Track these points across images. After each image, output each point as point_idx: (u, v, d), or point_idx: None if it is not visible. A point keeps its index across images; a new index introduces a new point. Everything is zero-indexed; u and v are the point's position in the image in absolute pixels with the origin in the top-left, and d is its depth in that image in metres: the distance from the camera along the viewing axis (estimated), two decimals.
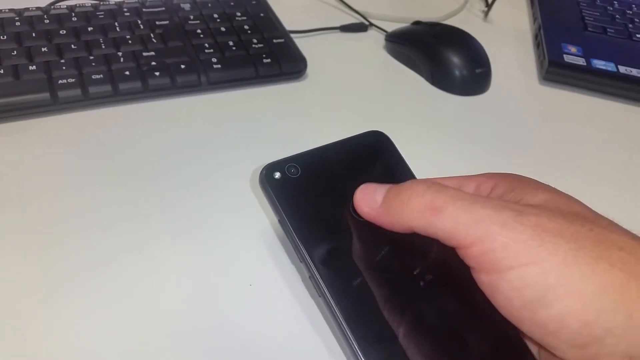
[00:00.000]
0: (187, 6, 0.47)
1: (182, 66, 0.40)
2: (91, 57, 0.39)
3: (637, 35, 0.54)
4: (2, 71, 0.37)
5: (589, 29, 0.54)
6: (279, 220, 0.25)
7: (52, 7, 0.44)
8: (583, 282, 0.18)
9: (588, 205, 0.21)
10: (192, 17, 0.46)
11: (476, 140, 0.41)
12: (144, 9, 0.45)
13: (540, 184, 0.23)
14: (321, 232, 0.24)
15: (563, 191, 0.22)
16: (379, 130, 0.28)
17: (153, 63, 0.40)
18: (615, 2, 0.60)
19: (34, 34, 0.40)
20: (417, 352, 0.21)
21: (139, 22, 0.44)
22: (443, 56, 0.46)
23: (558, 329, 0.18)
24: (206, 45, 0.43)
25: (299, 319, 0.27)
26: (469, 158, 0.39)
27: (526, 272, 0.19)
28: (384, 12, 0.55)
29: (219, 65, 0.41)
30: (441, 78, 0.46)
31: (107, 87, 0.38)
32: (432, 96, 0.46)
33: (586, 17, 0.56)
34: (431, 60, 0.47)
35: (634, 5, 0.59)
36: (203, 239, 0.30)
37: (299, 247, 0.24)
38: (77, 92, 0.37)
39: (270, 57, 0.43)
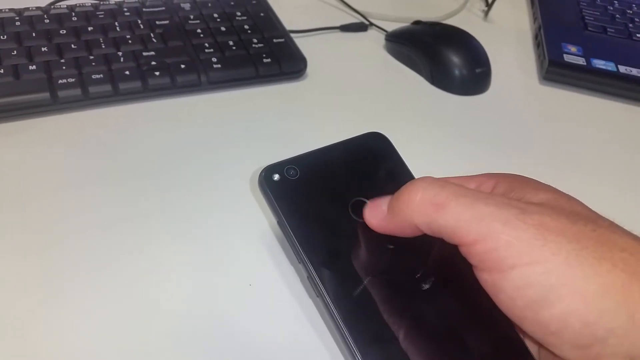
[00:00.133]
0: (187, 6, 0.47)
1: (182, 66, 0.40)
2: (91, 57, 0.39)
3: (637, 35, 0.54)
4: (2, 71, 0.37)
5: (589, 28, 0.54)
6: (278, 222, 0.25)
7: (52, 6, 0.44)
8: (586, 282, 0.18)
9: (588, 206, 0.21)
10: (192, 16, 0.46)
11: (476, 140, 0.41)
12: (144, 9, 0.45)
13: (540, 184, 0.23)
14: (320, 233, 0.24)
15: (563, 191, 0.22)
16: (378, 131, 0.28)
17: (153, 63, 0.40)
18: (616, 2, 0.60)
19: (34, 34, 0.40)
20: (415, 353, 0.21)
21: (139, 21, 0.44)
22: (443, 56, 0.46)
23: (560, 329, 0.18)
24: (206, 44, 0.43)
25: (299, 319, 0.27)
26: (469, 158, 0.39)
27: (529, 272, 0.19)
28: (384, 12, 0.55)
29: (219, 65, 0.41)
30: (441, 78, 0.46)
31: (107, 87, 0.38)
32: (432, 96, 0.46)
33: (586, 17, 0.56)
34: (431, 60, 0.47)
35: (634, 5, 0.59)
36: (203, 239, 0.30)
37: (297, 249, 0.24)
38: (77, 91, 0.37)
39: (271, 56, 0.43)
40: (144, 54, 0.41)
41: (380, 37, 0.52)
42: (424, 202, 0.21)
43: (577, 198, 0.22)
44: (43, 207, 0.31)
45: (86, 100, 0.38)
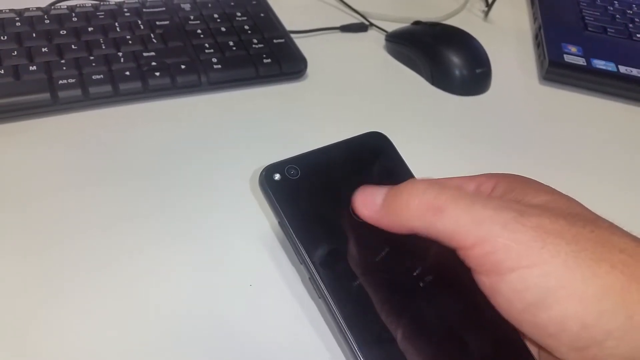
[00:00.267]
0: (187, 6, 0.47)
1: (183, 66, 0.41)
2: (91, 58, 0.39)
3: (638, 35, 0.54)
4: (2, 71, 0.37)
5: (589, 28, 0.54)
6: (278, 222, 0.25)
7: (52, 7, 0.44)
8: (584, 284, 0.18)
9: (588, 207, 0.21)
10: (192, 17, 0.46)
11: (476, 140, 0.41)
12: (144, 9, 0.45)
13: (540, 185, 0.23)
14: (321, 233, 0.24)
15: (563, 192, 0.22)
16: (378, 131, 0.28)
17: (153, 63, 0.40)
18: (616, 2, 0.60)
19: (34, 34, 0.40)
20: (417, 353, 0.21)
21: (139, 22, 0.44)
22: (443, 56, 0.46)
23: (558, 331, 0.18)
24: (206, 45, 0.43)
25: (299, 319, 0.27)
26: (469, 158, 0.39)
27: (527, 274, 0.19)
28: (384, 12, 0.55)
29: (219, 66, 0.41)
30: (441, 78, 0.46)
31: (108, 87, 0.38)
32: (432, 96, 0.46)
33: (586, 17, 0.56)
34: (431, 60, 0.47)
35: (634, 5, 0.59)
36: (203, 239, 0.30)
37: (299, 249, 0.24)
38: (78, 92, 0.37)
39: (271, 57, 0.43)
40: (144, 54, 0.41)
41: (381, 38, 0.52)
42: (422, 206, 0.21)
43: (578, 198, 0.22)
44: (43, 207, 0.31)
45: (86, 100, 0.38)
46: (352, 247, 0.24)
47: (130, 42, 0.42)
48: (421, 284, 0.23)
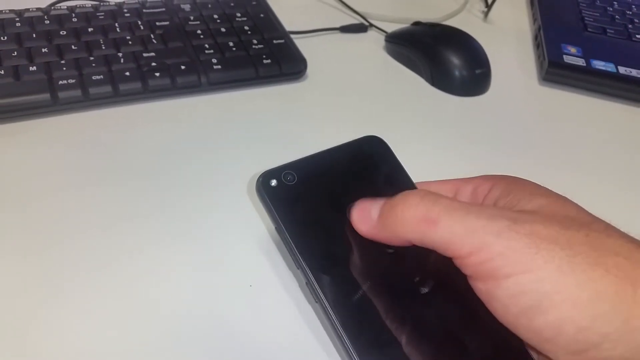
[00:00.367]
0: (187, 7, 0.47)
1: (182, 67, 0.41)
2: (91, 58, 0.39)
3: (637, 36, 0.54)
4: (2, 72, 0.37)
5: (589, 29, 0.54)
6: (275, 228, 0.25)
7: (52, 7, 0.44)
8: (578, 289, 0.18)
9: (587, 207, 0.21)
10: (192, 17, 0.46)
11: (476, 141, 0.41)
12: (144, 10, 0.45)
13: (536, 187, 0.23)
14: (318, 239, 0.24)
15: (562, 193, 0.22)
16: (375, 135, 0.28)
17: (153, 64, 0.40)
18: (615, 3, 0.60)
19: (34, 35, 0.40)
20: (416, 358, 0.21)
21: (139, 22, 0.44)
22: (443, 57, 0.46)
23: (554, 336, 0.19)
24: (206, 45, 0.43)
25: (299, 319, 0.27)
26: (468, 159, 0.39)
27: (522, 280, 0.19)
28: (383, 13, 0.55)
29: (219, 66, 0.42)
30: (441, 79, 0.46)
31: (108, 88, 0.38)
32: (432, 97, 0.46)
33: (586, 18, 0.56)
34: (431, 61, 0.47)
35: (633, 6, 0.59)
36: (203, 239, 0.30)
37: (296, 255, 0.24)
38: (78, 92, 0.37)
39: (270, 57, 0.43)
40: (144, 55, 0.41)
41: (380, 38, 0.52)
42: (416, 218, 0.21)
43: (577, 199, 0.22)
44: (43, 208, 0.31)
45: (86, 101, 0.38)
46: (348, 253, 0.24)
47: (130, 42, 0.42)
48: (419, 290, 0.23)
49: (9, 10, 0.42)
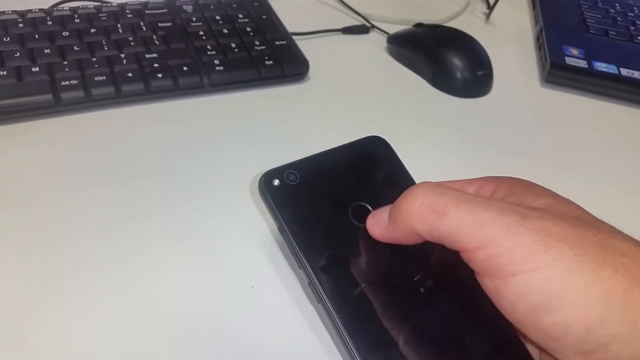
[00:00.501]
0: (189, 8, 0.47)
1: (185, 68, 0.41)
2: (94, 59, 0.40)
3: (639, 38, 0.54)
4: (5, 73, 0.37)
5: (591, 31, 0.54)
6: (278, 228, 0.25)
7: (54, 8, 0.44)
8: (587, 288, 0.18)
9: (589, 209, 0.21)
10: (194, 19, 0.46)
11: (478, 143, 0.41)
12: (146, 11, 0.45)
13: (540, 188, 0.23)
14: (320, 239, 0.24)
15: (564, 195, 0.22)
16: (378, 135, 0.28)
17: (155, 65, 0.40)
18: (617, 5, 0.60)
19: (36, 36, 0.40)
20: (417, 358, 0.21)
21: (142, 23, 0.44)
22: (445, 58, 0.46)
23: (562, 336, 0.18)
24: (208, 47, 0.43)
25: (300, 320, 0.27)
26: (470, 160, 0.39)
27: (531, 278, 0.18)
28: (385, 14, 0.55)
29: (221, 67, 0.42)
30: (443, 80, 0.46)
31: (110, 89, 0.38)
32: (433, 98, 0.46)
33: (588, 19, 0.56)
34: (433, 63, 0.47)
35: (635, 8, 0.59)
36: (203, 239, 0.30)
37: (298, 255, 0.24)
38: (80, 93, 0.37)
39: (273, 59, 0.43)
40: (147, 56, 0.41)
41: (382, 40, 0.52)
42: (424, 208, 0.21)
43: (579, 200, 0.22)
44: (44, 208, 0.31)
45: (89, 102, 0.38)
46: (351, 252, 0.24)
47: (132, 43, 0.42)
48: (421, 289, 0.23)
49: (12, 11, 0.43)
